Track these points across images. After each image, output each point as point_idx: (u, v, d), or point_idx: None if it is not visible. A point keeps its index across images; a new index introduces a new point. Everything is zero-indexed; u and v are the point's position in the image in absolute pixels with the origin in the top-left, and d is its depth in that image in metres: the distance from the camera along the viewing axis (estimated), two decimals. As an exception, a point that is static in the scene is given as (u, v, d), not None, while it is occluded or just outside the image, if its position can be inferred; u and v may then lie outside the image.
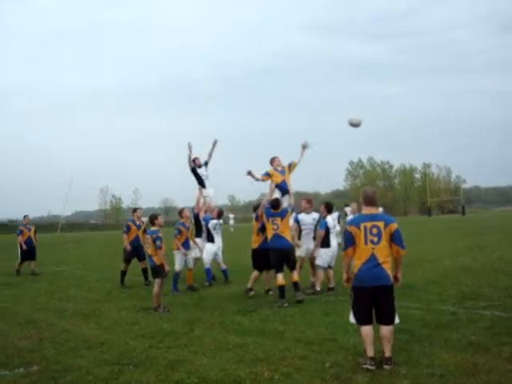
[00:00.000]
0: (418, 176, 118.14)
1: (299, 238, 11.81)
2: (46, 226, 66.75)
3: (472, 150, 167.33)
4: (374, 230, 6.45)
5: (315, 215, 12.02)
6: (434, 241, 25.51)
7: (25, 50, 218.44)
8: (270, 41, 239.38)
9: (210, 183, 14.96)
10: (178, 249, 12.52)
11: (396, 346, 6.92)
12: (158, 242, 10.26)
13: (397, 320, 6.51)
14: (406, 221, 64.32)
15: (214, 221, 13.92)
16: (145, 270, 13.93)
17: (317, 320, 8.89)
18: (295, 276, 10.71)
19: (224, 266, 13.89)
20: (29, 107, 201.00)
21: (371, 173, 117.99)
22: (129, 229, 14.44)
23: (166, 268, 10.38)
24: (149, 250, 10.54)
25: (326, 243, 11.70)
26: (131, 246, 14.19)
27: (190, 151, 14.62)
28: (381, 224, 6.48)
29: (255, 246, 11.69)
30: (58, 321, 9.74)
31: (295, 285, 10.61)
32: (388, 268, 6.45)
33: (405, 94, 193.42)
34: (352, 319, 6.61)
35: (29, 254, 18.24)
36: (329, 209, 12.39)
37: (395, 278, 6.63)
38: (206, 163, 14.96)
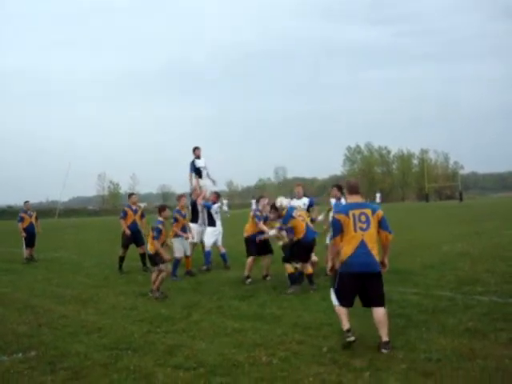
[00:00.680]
0: (415, 162, 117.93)
1: None
2: (45, 211, 66.58)
3: (470, 136, 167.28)
4: (363, 218, 6.54)
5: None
6: (432, 227, 25.53)
7: (21, 32, 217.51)
8: (269, 24, 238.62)
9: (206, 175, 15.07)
10: (177, 236, 12.45)
11: (393, 331, 6.95)
12: (154, 233, 10.38)
13: None
14: (403, 206, 64.43)
15: (216, 205, 14.01)
16: (143, 256, 13.93)
17: (314, 305, 8.92)
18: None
19: (223, 250, 13.91)
20: (27, 92, 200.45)
21: (369, 158, 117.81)
22: (125, 214, 14.42)
23: (166, 257, 10.37)
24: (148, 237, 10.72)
25: None
26: (130, 230, 14.19)
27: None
28: (368, 211, 6.60)
29: (247, 234, 11.82)
30: (56, 306, 9.75)
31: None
32: (376, 254, 6.55)
33: (403, 79, 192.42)
34: (335, 301, 6.72)
35: (30, 240, 18.06)
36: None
37: (382, 263, 6.69)
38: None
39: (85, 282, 12.67)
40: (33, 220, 18.32)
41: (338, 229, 6.58)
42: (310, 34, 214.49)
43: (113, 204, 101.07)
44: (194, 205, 14.34)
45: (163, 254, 10.36)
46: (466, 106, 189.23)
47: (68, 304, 9.95)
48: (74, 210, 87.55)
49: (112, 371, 5.98)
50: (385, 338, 6.33)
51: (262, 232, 11.34)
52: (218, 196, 14.55)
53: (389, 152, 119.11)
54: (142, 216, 14.68)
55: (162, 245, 10.57)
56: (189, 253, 12.88)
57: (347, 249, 6.50)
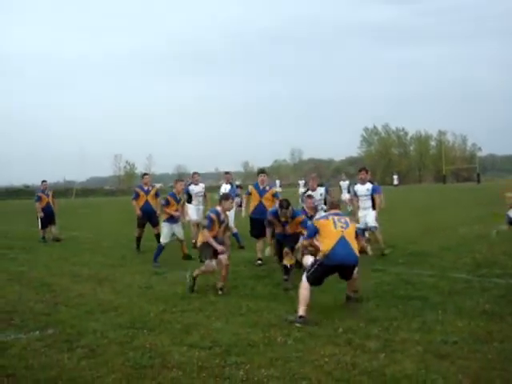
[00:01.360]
0: (433, 144, 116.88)
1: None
2: (61, 191, 67.18)
3: (488, 118, 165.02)
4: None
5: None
6: (449, 209, 25.36)
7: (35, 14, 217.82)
8: (282, 4, 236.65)
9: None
10: (168, 220, 12.18)
11: (409, 313, 6.96)
12: (206, 221, 9.12)
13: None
14: (420, 188, 64.03)
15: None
16: (158, 236, 13.97)
17: (329, 286, 8.86)
18: None
19: (235, 230, 13.94)
20: (43, 74, 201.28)
21: (386, 140, 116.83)
22: (137, 195, 14.43)
23: (219, 247, 8.89)
24: None
25: None
26: (142, 211, 14.23)
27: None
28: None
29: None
30: (73, 285, 9.82)
31: None
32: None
33: (421, 60, 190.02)
34: (304, 280, 7.25)
35: (48, 219, 18.03)
36: None
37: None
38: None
39: (101, 261, 12.75)
40: (50, 199, 18.35)
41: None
42: (323, 14, 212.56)
43: (128, 184, 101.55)
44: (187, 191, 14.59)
45: (216, 245, 8.94)
46: (484, 87, 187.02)
47: (84, 283, 10.03)
48: (91, 190, 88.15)
49: (128, 349, 6.02)
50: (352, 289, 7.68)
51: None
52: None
53: (406, 134, 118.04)
54: (157, 195, 14.63)
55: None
56: (181, 236, 12.45)
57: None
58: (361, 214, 12.02)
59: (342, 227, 7.35)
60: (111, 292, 9.15)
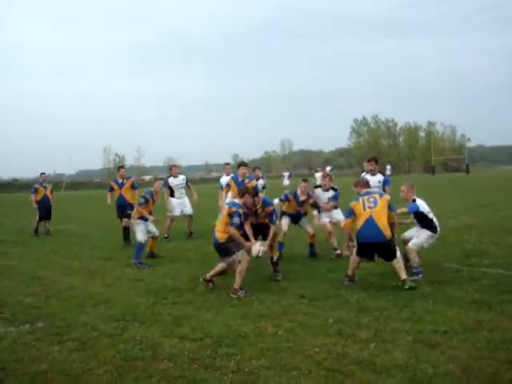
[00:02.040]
0: (422, 134, 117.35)
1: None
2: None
3: (477, 109, 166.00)
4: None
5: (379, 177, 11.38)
6: (438, 199, 25.42)
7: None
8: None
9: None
10: (142, 218, 11.28)
11: (399, 303, 7.00)
12: (234, 219, 8.31)
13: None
14: (409, 179, 64.17)
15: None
16: (125, 229, 13.98)
17: (320, 276, 8.94)
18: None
19: None
20: (34, 66, 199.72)
21: (375, 131, 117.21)
22: (111, 188, 14.71)
23: (247, 243, 8.52)
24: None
25: None
26: (116, 204, 14.42)
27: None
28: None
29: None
30: (63, 278, 9.79)
31: None
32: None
33: (410, 50, 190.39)
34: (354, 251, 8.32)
35: (44, 212, 17.72)
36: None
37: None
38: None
39: (92, 254, 12.72)
40: (48, 192, 18.02)
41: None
42: (312, 7, 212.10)
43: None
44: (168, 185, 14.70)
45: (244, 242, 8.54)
46: (473, 78, 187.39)
47: (75, 276, 9.99)
48: (81, 183, 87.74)
49: (118, 342, 6.01)
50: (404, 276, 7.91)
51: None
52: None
53: (395, 124, 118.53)
54: (133, 187, 14.59)
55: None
56: (156, 233, 11.79)
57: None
58: None
59: (369, 207, 8.13)
60: (102, 285, 9.13)
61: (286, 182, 39.48)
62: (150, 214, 11.43)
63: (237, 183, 11.08)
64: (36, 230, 17.43)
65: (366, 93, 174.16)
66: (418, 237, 8.71)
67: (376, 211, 8.09)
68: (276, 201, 10.64)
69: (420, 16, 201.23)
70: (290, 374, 4.93)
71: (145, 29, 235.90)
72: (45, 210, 17.69)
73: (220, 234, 8.39)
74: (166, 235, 14.01)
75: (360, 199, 8.32)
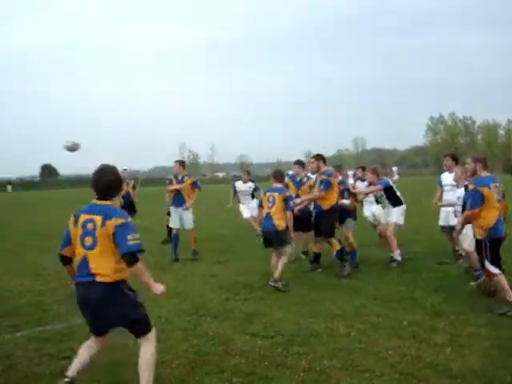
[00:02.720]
0: (502, 132, 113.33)
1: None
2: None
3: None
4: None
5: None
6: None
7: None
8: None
9: None
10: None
11: (477, 307, 6.78)
12: (290, 202, 8.58)
13: None
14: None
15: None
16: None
17: (395, 277, 8.76)
18: None
19: None
20: (111, 65, 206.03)
21: (452, 129, 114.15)
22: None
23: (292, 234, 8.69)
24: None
25: None
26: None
27: None
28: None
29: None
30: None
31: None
32: None
33: (494, 45, 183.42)
34: (495, 269, 6.80)
35: (127, 209, 17.90)
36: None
37: None
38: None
39: (163, 248, 12.95)
40: (129, 189, 18.22)
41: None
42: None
43: (192, 173, 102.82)
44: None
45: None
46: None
47: (148, 270, 10.17)
48: (155, 179, 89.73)
49: (192, 336, 6.10)
50: None
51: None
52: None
53: (473, 122, 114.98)
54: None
55: None
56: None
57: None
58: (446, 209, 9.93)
59: (498, 200, 6.89)
60: (174, 279, 9.28)
61: (351, 181, 37.90)
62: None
63: (294, 182, 10.77)
64: None
65: (442, 89, 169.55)
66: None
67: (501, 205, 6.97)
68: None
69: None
70: (362, 376, 4.86)
71: (222, 26, 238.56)
72: (128, 207, 17.88)
73: (278, 222, 8.42)
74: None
75: (491, 185, 6.87)
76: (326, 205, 9.37)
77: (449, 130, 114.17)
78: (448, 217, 9.78)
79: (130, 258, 4.26)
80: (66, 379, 4.37)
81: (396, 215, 10.22)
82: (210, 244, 13.38)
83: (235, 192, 14.79)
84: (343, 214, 10.07)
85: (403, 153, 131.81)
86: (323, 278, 8.88)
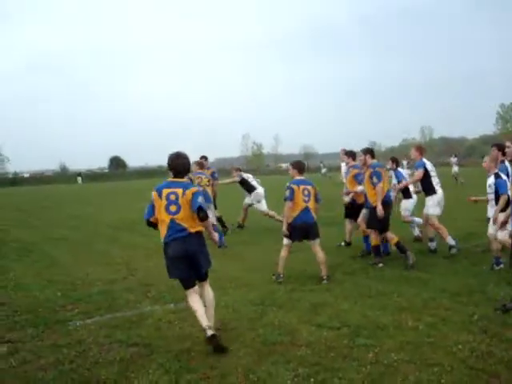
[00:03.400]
0: None
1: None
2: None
3: None
4: None
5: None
6: None
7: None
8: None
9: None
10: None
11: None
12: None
13: None
14: None
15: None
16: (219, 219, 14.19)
17: (463, 270, 8.55)
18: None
19: None
20: (172, 61, 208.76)
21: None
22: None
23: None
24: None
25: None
26: None
27: None
28: None
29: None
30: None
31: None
32: None
33: None
34: None
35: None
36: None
37: None
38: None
39: (231, 238, 13.08)
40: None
41: None
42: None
43: (257, 164, 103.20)
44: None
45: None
46: None
47: (216, 259, 10.28)
48: (221, 171, 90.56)
49: (258, 325, 6.16)
50: None
51: None
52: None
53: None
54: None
55: None
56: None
57: None
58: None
59: None
60: (241, 269, 9.40)
61: (455, 168, 35.51)
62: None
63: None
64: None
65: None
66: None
67: None
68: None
69: None
70: (431, 370, 4.77)
71: (282, 17, 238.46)
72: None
73: (314, 215, 8.46)
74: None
75: None
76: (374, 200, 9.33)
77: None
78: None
79: (203, 213, 5.57)
80: (209, 332, 5.45)
81: (430, 206, 10.23)
82: (276, 234, 13.40)
83: None
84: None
85: (472, 142, 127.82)
86: (390, 271, 8.76)
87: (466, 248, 10.23)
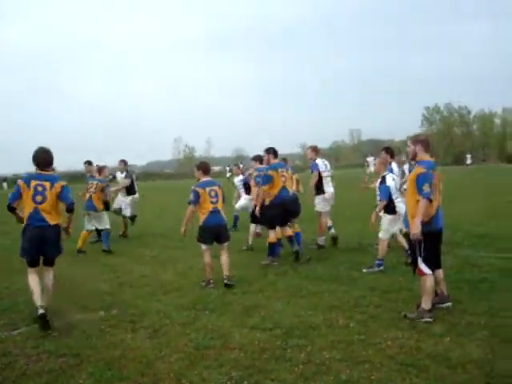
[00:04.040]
0: (497, 121, 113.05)
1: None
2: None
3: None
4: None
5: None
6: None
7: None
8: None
9: None
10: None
11: (475, 297, 6.76)
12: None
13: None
14: (487, 168, 62.09)
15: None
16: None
17: (392, 268, 8.74)
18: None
19: None
20: (103, 62, 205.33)
21: (448, 118, 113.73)
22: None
23: None
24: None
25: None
26: None
27: None
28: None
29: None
30: (135, 266, 10.01)
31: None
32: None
33: (490, 34, 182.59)
34: (427, 269, 6.17)
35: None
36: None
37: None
38: None
39: (162, 243, 12.92)
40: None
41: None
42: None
43: (189, 167, 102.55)
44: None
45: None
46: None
47: (147, 264, 10.19)
48: (151, 174, 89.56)
49: (190, 330, 6.08)
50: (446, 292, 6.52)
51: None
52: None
53: (469, 112, 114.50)
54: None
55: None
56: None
57: (432, 210, 6.22)
58: None
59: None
60: (173, 273, 9.27)
61: (372, 169, 36.24)
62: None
63: None
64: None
65: (437, 79, 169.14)
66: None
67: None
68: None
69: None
70: (362, 367, 4.84)
71: (220, 16, 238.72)
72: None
73: (223, 215, 8.41)
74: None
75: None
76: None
77: (444, 120, 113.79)
78: None
79: (72, 207, 6.68)
80: (40, 311, 6.41)
81: (318, 203, 11.04)
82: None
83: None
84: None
85: (399, 143, 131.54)
86: (321, 270, 8.85)
87: (395, 246, 10.47)
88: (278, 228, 9.81)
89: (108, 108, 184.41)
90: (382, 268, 8.60)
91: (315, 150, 11.19)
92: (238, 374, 4.82)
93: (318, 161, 10.97)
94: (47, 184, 6.57)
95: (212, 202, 8.13)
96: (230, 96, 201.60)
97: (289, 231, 9.76)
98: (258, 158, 11.17)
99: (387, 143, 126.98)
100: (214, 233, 8.22)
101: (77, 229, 10.34)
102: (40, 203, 6.53)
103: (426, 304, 6.13)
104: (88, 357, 5.47)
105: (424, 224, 6.08)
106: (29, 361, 5.45)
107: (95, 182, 12.12)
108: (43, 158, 6.72)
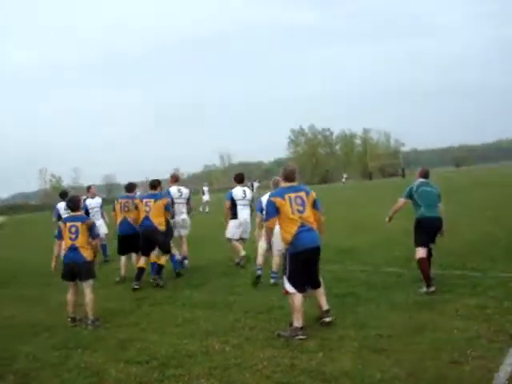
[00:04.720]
0: (358, 141, 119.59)
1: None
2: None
3: (410, 115, 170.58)
4: (299, 200, 6.54)
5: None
6: (376, 205, 25.89)
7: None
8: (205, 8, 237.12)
9: None
10: None
11: (343, 310, 7.06)
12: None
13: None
14: (347, 186, 65.21)
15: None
16: None
17: (265, 289, 8.91)
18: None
19: None
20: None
21: (312, 140, 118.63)
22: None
23: None
24: None
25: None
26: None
27: None
28: (303, 194, 6.62)
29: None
30: (1, 306, 9.45)
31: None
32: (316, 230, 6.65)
33: (343, 59, 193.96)
34: (291, 288, 6.43)
35: None
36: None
37: None
38: None
39: (30, 280, 12.30)
40: None
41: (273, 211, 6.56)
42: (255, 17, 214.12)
43: (56, 198, 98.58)
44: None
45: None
46: (405, 84, 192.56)
47: (15, 303, 9.66)
48: (16, 206, 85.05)
49: (63, 371, 5.85)
50: (325, 307, 6.67)
51: None
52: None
53: (332, 133, 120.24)
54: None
55: None
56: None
57: (291, 230, 6.44)
58: None
59: (298, 211, 6.48)
60: (43, 312, 8.85)
61: (206, 197, 34.00)
62: None
63: None
64: None
65: (302, 102, 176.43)
66: None
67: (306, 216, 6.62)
68: None
69: (349, 25, 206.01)
70: (240, 391, 4.89)
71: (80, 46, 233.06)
72: None
73: (83, 252, 7.89)
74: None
75: (286, 197, 6.57)
76: None
77: (309, 142, 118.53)
78: None
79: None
80: None
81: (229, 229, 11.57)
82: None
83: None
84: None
85: (268, 165, 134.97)
86: (197, 296, 8.84)
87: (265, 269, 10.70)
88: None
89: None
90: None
91: (173, 178, 11.84)
92: (115, 412, 4.69)
93: (173, 188, 11.52)
94: None
95: (71, 238, 7.78)
96: (95, 123, 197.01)
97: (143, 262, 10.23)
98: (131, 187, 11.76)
99: (256, 165, 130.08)
100: (70, 270, 7.85)
101: None
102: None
103: (297, 321, 6.32)
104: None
105: (288, 244, 6.43)
106: None
107: None
108: None
